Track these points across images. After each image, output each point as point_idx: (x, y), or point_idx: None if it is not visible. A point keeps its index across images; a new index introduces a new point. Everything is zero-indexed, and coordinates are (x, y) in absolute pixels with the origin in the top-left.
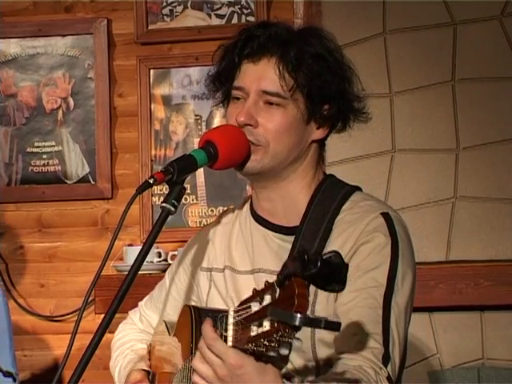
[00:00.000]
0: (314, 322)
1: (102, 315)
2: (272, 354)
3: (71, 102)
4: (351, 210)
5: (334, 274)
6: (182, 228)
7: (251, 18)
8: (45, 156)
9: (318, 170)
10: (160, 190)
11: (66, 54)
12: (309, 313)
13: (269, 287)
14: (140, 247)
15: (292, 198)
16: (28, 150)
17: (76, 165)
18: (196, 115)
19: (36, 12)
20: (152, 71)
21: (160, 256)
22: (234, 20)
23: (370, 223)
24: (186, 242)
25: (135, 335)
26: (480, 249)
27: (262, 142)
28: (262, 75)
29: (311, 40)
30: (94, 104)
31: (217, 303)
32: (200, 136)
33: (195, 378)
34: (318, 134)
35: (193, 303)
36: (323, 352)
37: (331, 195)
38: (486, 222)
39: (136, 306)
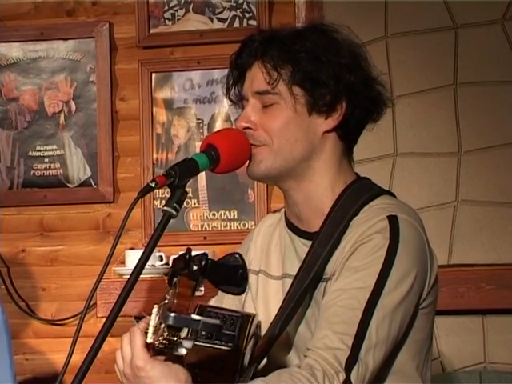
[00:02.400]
0: (190, 323)
1: (104, 319)
2: (176, 353)
3: (73, 105)
4: (364, 214)
5: (225, 275)
6: (184, 232)
7: (253, 22)
8: (46, 160)
9: (342, 170)
10: (162, 194)
11: (68, 58)
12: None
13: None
14: (142, 251)
15: (316, 200)
16: (30, 153)
17: (78, 168)
18: (198, 119)
19: (38, 16)
20: (154, 75)
21: (162, 260)
22: (236, 24)
23: (372, 226)
24: (187, 245)
25: None
26: (482, 253)
27: (264, 142)
28: (253, 78)
29: (302, 33)
30: (95, 108)
31: (249, 307)
32: (202, 140)
33: (115, 366)
34: (327, 124)
35: (237, 303)
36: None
37: (354, 199)
38: (488, 226)
39: (139, 309)
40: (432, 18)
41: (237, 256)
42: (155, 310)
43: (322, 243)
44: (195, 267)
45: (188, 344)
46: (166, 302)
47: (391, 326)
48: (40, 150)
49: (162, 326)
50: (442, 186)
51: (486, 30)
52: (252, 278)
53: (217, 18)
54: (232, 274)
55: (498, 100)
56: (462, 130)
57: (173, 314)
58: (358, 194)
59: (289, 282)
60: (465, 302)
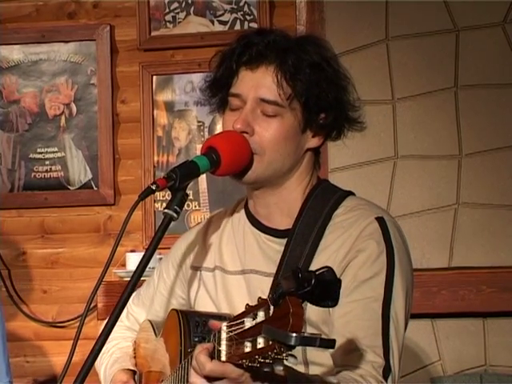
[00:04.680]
0: (309, 341)
1: (105, 321)
2: (266, 369)
3: (74, 108)
4: (345, 216)
5: (327, 291)
6: None
7: (254, 25)
8: (47, 162)
9: (312, 176)
10: (162, 197)
11: (69, 61)
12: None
13: (262, 304)
14: (142, 253)
15: (287, 202)
16: (31, 156)
17: (78, 171)
18: (198, 121)
19: (39, 18)
20: (155, 77)
21: None
22: (237, 26)
23: (364, 229)
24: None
25: (121, 333)
26: (482, 255)
27: (258, 151)
28: (259, 83)
29: (309, 48)
30: (96, 110)
31: (205, 304)
32: (202, 142)
33: None
34: (313, 142)
35: (181, 300)
36: (313, 354)
37: (324, 200)
38: (489, 229)
39: None
40: (433, 21)
41: (328, 269)
42: (225, 328)
43: (299, 243)
44: (308, 287)
45: (293, 360)
46: (262, 319)
47: (404, 327)
48: (41, 153)
49: (257, 346)
50: (443, 188)
51: (486, 32)
52: (207, 275)
53: (218, 20)
54: (331, 288)
55: (499, 103)
56: (462, 132)
57: (295, 335)
58: (327, 194)
59: (256, 277)
60: (465, 305)
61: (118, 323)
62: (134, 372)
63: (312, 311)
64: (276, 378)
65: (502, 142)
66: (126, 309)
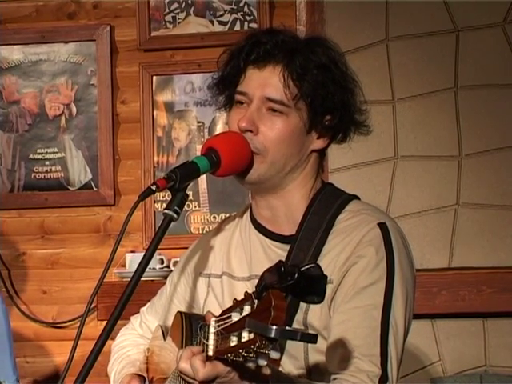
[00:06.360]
0: (290, 335)
1: (105, 322)
2: (251, 364)
3: (74, 108)
4: (347, 221)
5: (312, 286)
6: (185, 235)
7: (254, 25)
8: (47, 162)
9: (317, 179)
10: (162, 197)
11: (69, 61)
12: (300, 325)
13: (248, 298)
14: (142, 254)
15: (291, 206)
16: (31, 156)
17: (79, 171)
18: (198, 122)
19: (39, 19)
20: (155, 78)
21: (162, 263)
22: (237, 27)
23: (366, 235)
24: (188, 248)
25: (134, 340)
26: (482, 255)
27: (261, 150)
28: (266, 82)
29: (317, 49)
30: (96, 111)
31: (214, 309)
32: (202, 143)
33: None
34: (318, 143)
35: (191, 308)
36: (315, 359)
37: (327, 204)
38: (489, 229)
39: (138, 312)
40: (433, 21)
41: (315, 265)
42: (213, 322)
43: (302, 248)
44: (290, 280)
45: (276, 355)
46: (247, 313)
47: (404, 332)
48: (41, 153)
49: (242, 339)
50: (443, 189)
51: (486, 33)
52: (215, 281)
53: (218, 21)
54: (316, 283)
55: (499, 103)
56: (462, 133)
57: (275, 327)
58: (330, 199)
59: None
60: (466, 305)
61: (131, 331)
62: (143, 378)
63: (314, 317)
64: (260, 377)
65: (502, 142)
66: (139, 317)
